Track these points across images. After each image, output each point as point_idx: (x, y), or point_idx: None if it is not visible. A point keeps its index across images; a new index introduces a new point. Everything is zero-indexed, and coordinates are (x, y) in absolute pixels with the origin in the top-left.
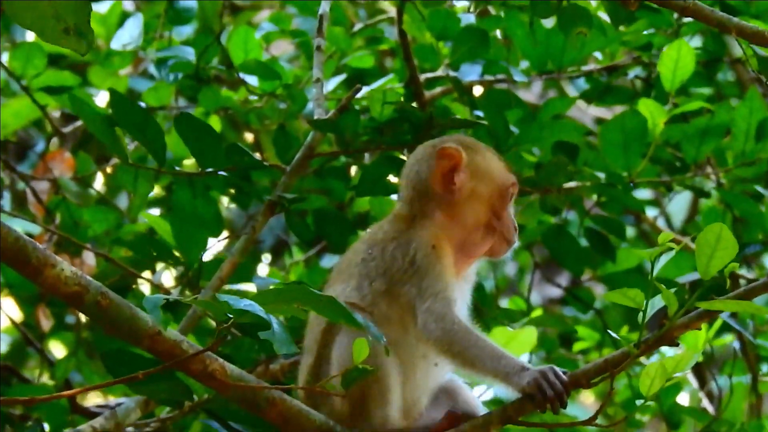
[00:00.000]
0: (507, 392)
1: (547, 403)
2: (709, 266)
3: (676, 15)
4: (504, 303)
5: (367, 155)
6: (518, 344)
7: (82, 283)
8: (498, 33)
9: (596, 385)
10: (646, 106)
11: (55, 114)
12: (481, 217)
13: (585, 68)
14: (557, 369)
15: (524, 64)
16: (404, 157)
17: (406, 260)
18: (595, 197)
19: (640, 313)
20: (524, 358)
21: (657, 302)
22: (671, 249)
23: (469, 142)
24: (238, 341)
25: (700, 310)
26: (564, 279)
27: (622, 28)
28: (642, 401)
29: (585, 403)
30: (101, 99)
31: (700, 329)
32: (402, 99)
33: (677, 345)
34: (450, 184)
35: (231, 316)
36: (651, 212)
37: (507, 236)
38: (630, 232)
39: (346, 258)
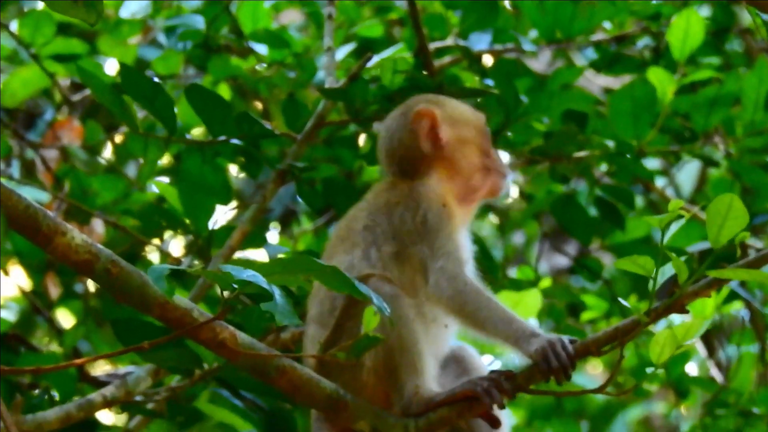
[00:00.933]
0: (515, 356)
1: (551, 374)
2: (719, 235)
3: None
4: (512, 272)
5: (376, 124)
6: (524, 308)
7: (92, 250)
8: (507, 2)
9: (606, 353)
10: (656, 76)
11: (64, 82)
12: (475, 160)
13: (594, 38)
14: (566, 340)
15: (533, 33)
16: None
17: (417, 221)
18: (604, 166)
19: (650, 281)
20: (533, 324)
21: (667, 270)
22: (681, 216)
23: (432, 98)
24: (248, 310)
25: (710, 278)
26: (572, 248)
27: None
28: (652, 369)
29: (592, 373)
30: (110, 67)
31: (710, 297)
32: (413, 68)
33: (687, 312)
34: (437, 141)
35: (236, 286)
36: (660, 182)
37: (501, 170)
38: (639, 201)
39: (344, 227)
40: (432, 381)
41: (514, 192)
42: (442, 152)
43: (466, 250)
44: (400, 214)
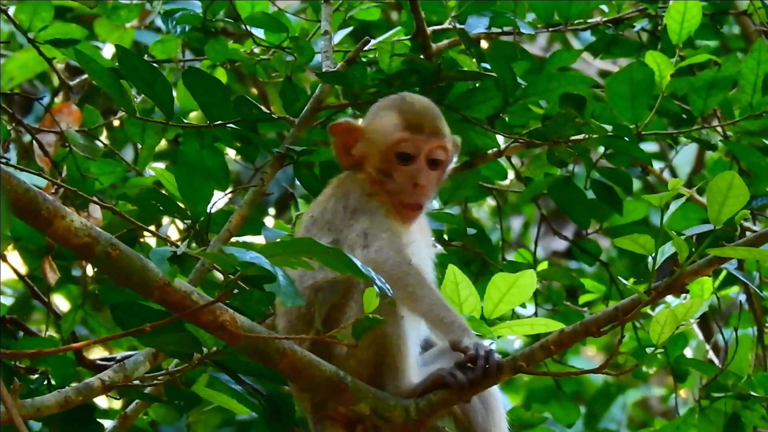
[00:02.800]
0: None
1: (467, 382)
2: (720, 213)
3: None
4: (510, 256)
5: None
6: (519, 288)
7: (92, 234)
8: None
9: (606, 333)
10: (653, 59)
11: (62, 66)
12: (376, 177)
13: (591, 21)
14: (494, 352)
15: (531, 16)
16: None
17: (348, 211)
18: (602, 149)
19: (650, 260)
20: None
21: (667, 249)
22: (680, 196)
23: (376, 106)
24: (248, 293)
25: (711, 256)
26: (570, 231)
27: None
28: (652, 348)
29: (588, 354)
30: (108, 51)
31: (710, 275)
32: (409, 51)
33: (687, 292)
34: (351, 155)
35: (238, 268)
36: (657, 165)
37: (398, 197)
38: (636, 184)
39: (303, 218)
40: (413, 375)
41: (511, 174)
42: (354, 165)
43: (410, 241)
44: (333, 205)
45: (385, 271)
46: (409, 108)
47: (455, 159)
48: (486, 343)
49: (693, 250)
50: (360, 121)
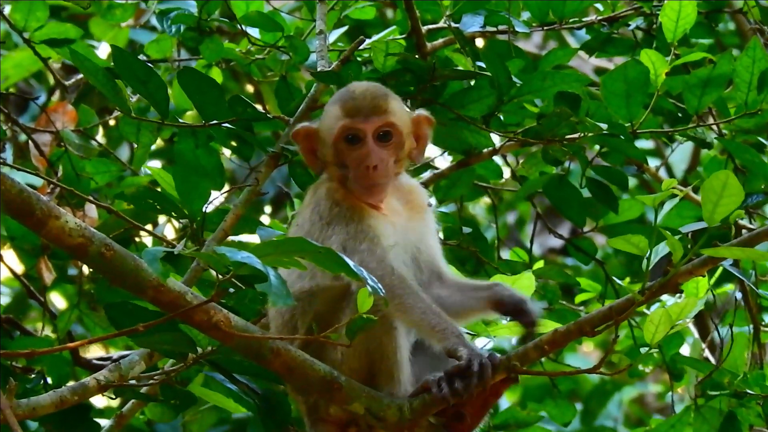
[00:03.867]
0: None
1: (450, 395)
2: (714, 213)
3: None
4: (505, 254)
5: None
6: (518, 289)
7: (86, 234)
8: None
9: (601, 333)
10: (648, 57)
11: (57, 65)
12: (335, 173)
13: (586, 19)
14: (487, 362)
15: (525, 15)
16: (406, 108)
17: (323, 222)
18: (597, 147)
19: (644, 260)
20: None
21: (661, 249)
22: (674, 196)
23: (326, 106)
24: (242, 292)
25: (705, 256)
26: (565, 230)
27: None
28: (647, 349)
29: (585, 351)
30: (103, 51)
31: (704, 276)
32: (404, 50)
33: (681, 292)
34: (316, 159)
35: (231, 268)
36: (653, 162)
37: (357, 181)
38: (632, 182)
39: (293, 222)
40: (407, 383)
41: (506, 173)
42: (322, 167)
43: (389, 237)
44: (310, 215)
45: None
46: (349, 95)
47: (428, 133)
48: (482, 345)
49: (689, 247)
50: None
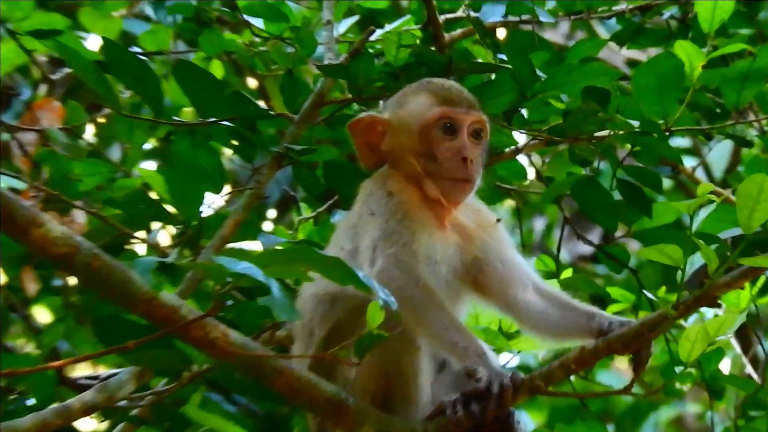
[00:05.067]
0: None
1: (465, 419)
2: (751, 219)
3: None
4: (531, 262)
5: (381, 103)
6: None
7: (72, 243)
8: None
9: (632, 351)
10: (683, 49)
11: (43, 59)
12: (414, 168)
13: (616, 8)
14: (508, 383)
15: (551, 3)
16: None
17: (368, 214)
18: (628, 147)
19: (679, 272)
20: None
21: (696, 259)
22: (711, 201)
23: (402, 93)
24: (242, 306)
25: (744, 267)
26: (595, 235)
27: None
28: (682, 368)
29: (619, 369)
30: (93, 43)
31: (743, 288)
32: (419, 42)
33: (719, 306)
34: (378, 152)
35: (230, 279)
36: (689, 162)
37: (448, 174)
38: (666, 183)
39: (344, 217)
40: (425, 407)
41: (531, 174)
42: (390, 160)
43: (430, 249)
44: (359, 207)
45: (390, 293)
46: (439, 86)
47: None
48: (504, 362)
49: (728, 254)
50: (383, 114)
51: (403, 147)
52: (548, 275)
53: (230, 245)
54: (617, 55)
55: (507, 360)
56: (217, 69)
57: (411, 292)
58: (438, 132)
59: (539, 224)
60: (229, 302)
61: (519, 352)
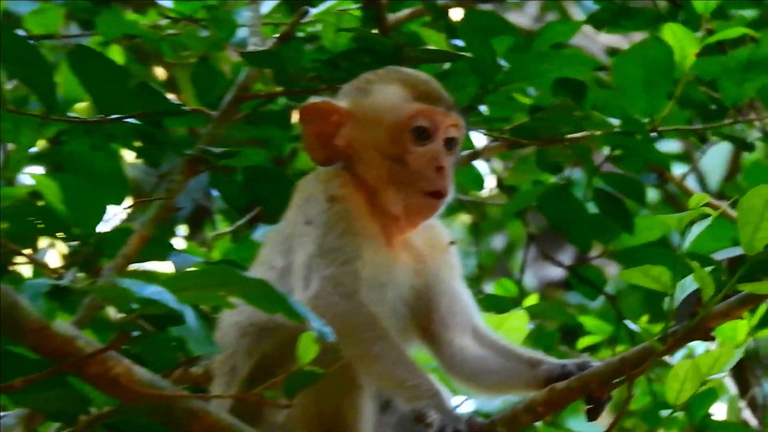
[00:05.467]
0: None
1: None
2: (754, 238)
3: None
4: (489, 287)
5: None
6: (507, 332)
7: None
8: None
9: (610, 391)
10: (673, 33)
11: None
12: (378, 173)
13: None
14: (464, 429)
15: None
16: None
17: (303, 220)
18: (607, 150)
19: (667, 298)
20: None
21: (688, 284)
22: (706, 215)
23: (366, 79)
24: (150, 338)
25: (744, 293)
26: (567, 256)
27: None
28: (669, 411)
29: None
30: None
31: (741, 318)
32: (360, 24)
33: (712, 339)
34: (331, 146)
35: (136, 305)
36: (679, 169)
37: (420, 186)
38: (651, 194)
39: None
40: None
41: (491, 182)
42: (343, 157)
43: (376, 270)
44: (294, 215)
45: (328, 322)
46: (415, 77)
47: None
48: (460, 405)
49: (723, 279)
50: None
51: (366, 145)
52: (511, 302)
53: (135, 266)
54: (595, 42)
55: (461, 402)
56: (118, 56)
57: (353, 322)
58: (412, 133)
59: (499, 243)
60: (135, 333)
61: None
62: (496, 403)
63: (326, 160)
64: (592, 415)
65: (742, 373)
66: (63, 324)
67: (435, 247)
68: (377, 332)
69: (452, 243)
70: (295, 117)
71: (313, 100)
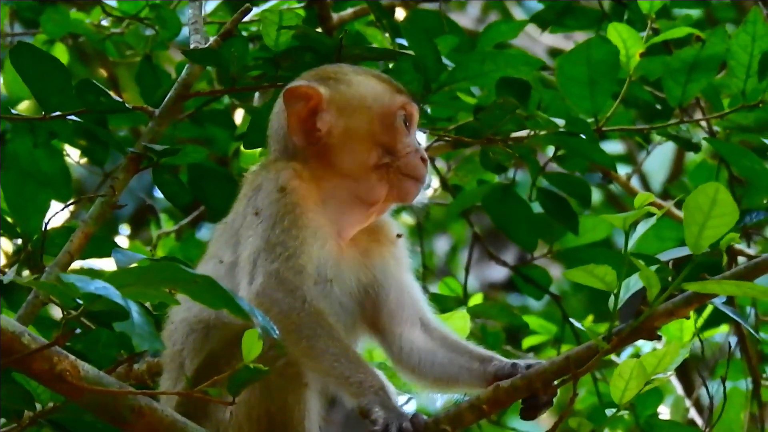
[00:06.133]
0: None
1: None
2: (700, 237)
3: None
4: (433, 288)
5: (257, 95)
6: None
7: None
8: None
9: (555, 390)
10: (618, 33)
11: None
12: (364, 159)
13: None
14: (408, 426)
15: None
16: None
17: (252, 212)
18: (552, 150)
19: (612, 297)
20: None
21: (633, 283)
22: (650, 215)
23: (333, 71)
24: (95, 334)
25: (689, 293)
26: (511, 256)
27: None
28: (614, 411)
29: None
30: None
31: (688, 318)
32: (304, 23)
33: (658, 339)
34: (313, 131)
35: (81, 302)
36: (623, 170)
37: (407, 171)
38: (596, 195)
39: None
40: None
41: (434, 183)
42: (321, 145)
43: (322, 264)
44: (243, 207)
45: (272, 318)
46: (378, 73)
47: None
48: (404, 404)
49: (670, 279)
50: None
51: (351, 133)
52: (454, 303)
53: (79, 263)
54: (538, 43)
55: (405, 401)
56: (62, 54)
57: (296, 318)
58: (399, 123)
59: (443, 244)
60: (79, 330)
61: (417, 392)
62: (439, 403)
63: (306, 145)
64: (527, 416)
65: (687, 373)
66: (8, 320)
67: (382, 242)
68: (321, 328)
69: (399, 236)
70: (238, 116)
71: (298, 82)
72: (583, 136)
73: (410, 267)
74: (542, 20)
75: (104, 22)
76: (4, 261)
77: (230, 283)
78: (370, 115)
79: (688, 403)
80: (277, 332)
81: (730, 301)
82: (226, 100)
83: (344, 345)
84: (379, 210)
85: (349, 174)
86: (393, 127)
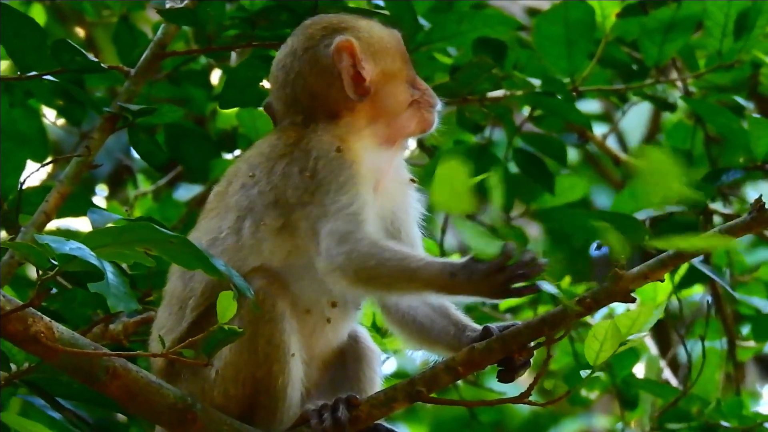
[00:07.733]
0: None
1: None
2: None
3: None
4: None
5: (234, 54)
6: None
7: None
8: None
9: (530, 352)
10: None
11: None
12: (405, 97)
13: None
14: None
15: None
16: None
17: (305, 175)
18: (527, 110)
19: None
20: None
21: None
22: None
23: (338, 21)
24: (69, 294)
25: (664, 254)
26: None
27: None
28: (588, 372)
29: None
30: None
31: (662, 281)
32: None
33: (633, 300)
34: (361, 83)
35: (56, 262)
36: (600, 129)
37: (430, 100)
38: (572, 155)
39: (220, 187)
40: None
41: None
42: (367, 93)
43: (371, 205)
44: (283, 170)
45: (338, 273)
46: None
47: None
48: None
49: (646, 238)
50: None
51: (391, 73)
52: None
53: (54, 223)
54: (515, 3)
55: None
56: (38, 14)
57: (357, 262)
58: (407, 58)
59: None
60: (55, 290)
61: (395, 353)
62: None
63: (359, 97)
64: (504, 378)
65: (662, 333)
66: None
67: (398, 182)
68: (384, 255)
69: (413, 180)
70: (215, 76)
71: (344, 37)
72: (560, 96)
73: (419, 215)
74: None
75: None
76: None
77: (288, 252)
78: (393, 54)
79: (663, 363)
80: (251, 292)
81: (706, 260)
82: (202, 60)
83: (413, 255)
84: (398, 147)
85: (389, 115)
86: (408, 62)
